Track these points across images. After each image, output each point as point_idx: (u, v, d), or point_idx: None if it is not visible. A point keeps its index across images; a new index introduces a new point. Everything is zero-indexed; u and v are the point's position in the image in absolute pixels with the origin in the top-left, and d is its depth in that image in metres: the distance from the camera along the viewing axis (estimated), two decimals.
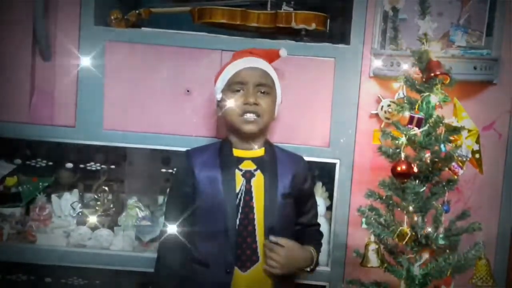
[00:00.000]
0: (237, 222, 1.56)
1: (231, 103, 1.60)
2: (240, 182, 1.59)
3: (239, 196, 1.58)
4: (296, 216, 1.70)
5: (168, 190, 1.74)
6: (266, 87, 1.62)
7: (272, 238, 1.56)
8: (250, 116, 1.59)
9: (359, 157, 1.96)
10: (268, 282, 1.58)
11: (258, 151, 1.64)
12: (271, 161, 1.64)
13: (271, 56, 1.72)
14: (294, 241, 1.60)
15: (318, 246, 1.72)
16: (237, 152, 1.64)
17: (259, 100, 1.60)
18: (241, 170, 1.61)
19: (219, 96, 1.66)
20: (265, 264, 1.56)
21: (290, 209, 1.64)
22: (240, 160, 1.62)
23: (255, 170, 1.61)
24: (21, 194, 2.12)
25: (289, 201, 1.63)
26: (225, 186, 1.57)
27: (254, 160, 1.63)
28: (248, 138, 1.63)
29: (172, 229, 1.61)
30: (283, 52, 1.74)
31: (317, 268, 1.97)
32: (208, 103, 1.93)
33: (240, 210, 1.57)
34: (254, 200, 1.58)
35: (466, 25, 1.90)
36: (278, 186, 1.60)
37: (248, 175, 1.60)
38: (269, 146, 1.68)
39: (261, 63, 1.65)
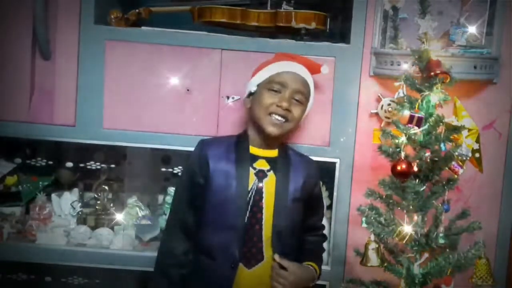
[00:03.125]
0: (245, 220, 1.57)
1: (265, 99, 1.59)
2: (252, 180, 1.59)
3: (249, 195, 1.58)
4: (304, 218, 1.69)
5: (179, 177, 1.71)
6: (302, 96, 1.62)
7: (277, 257, 1.56)
8: (277, 118, 1.58)
9: (359, 156, 1.96)
10: None
11: (272, 151, 1.64)
12: (285, 164, 1.64)
13: (313, 68, 1.71)
14: (296, 261, 1.60)
15: (319, 259, 1.70)
16: (252, 150, 1.63)
17: (291, 107, 1.59)
18: (254, 168, 1.61)
19: (253, 88, 1.64)
20: (273, 282, 1.56)
21: (299, 213, 1.65)
22: (255, 158, 1.62)
23: (268, 170, 1.62)
24: (21, 193, 2.12)
25: (299, 205, 1.64)
26: (238, 182, 1.58)
27: (268, 160, 1.63)
28: (267, 139, 1.62)
29: (180, 218, 1.62)
30: (324, 69, 1.73)
31: None
32: (208, 102, 1.94)
33: (249, 209, 1.58)
34: (264, 200, 1.59)
35: (466, 24, 1.89)
36: (289, 190, 1.61)
37: (261, 175, 1.61)
38: (283, 147, 1.68)
39: (304, 72, 1.64)
